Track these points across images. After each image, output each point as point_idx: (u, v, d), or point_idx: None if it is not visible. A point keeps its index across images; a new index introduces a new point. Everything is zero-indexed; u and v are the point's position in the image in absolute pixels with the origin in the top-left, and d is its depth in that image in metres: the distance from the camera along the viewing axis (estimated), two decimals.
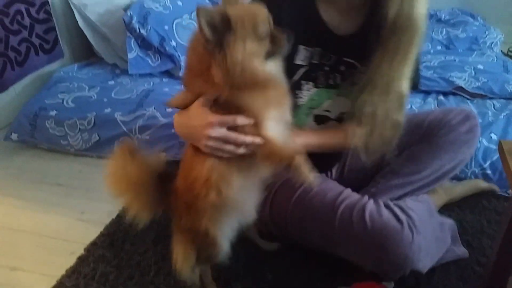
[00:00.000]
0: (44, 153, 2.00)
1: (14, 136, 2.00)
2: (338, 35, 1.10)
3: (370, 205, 1.13)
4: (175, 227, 1.08)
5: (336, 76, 1.14)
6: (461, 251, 1.29)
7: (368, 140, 1.08)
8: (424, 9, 0.98)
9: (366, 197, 1.17)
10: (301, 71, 1.13)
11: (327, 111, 1.19)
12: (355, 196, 1.18)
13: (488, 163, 1.55)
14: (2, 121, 2.14)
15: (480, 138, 1.58)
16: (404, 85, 1.03)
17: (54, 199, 1.69)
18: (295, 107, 1.16)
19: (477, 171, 1.55)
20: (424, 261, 1.13)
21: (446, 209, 1.45)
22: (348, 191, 1.19)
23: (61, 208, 1.62)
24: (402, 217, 1.09)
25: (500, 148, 0.92)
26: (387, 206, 1.13)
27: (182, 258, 1.06)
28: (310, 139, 1.16)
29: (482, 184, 1.52)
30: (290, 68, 1.11)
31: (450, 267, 1.25)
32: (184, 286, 1.17)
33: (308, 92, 1.16)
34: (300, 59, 1.12)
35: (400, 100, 1.05)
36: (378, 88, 1.03)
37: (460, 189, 1.50)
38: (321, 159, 1.13)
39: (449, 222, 1.32)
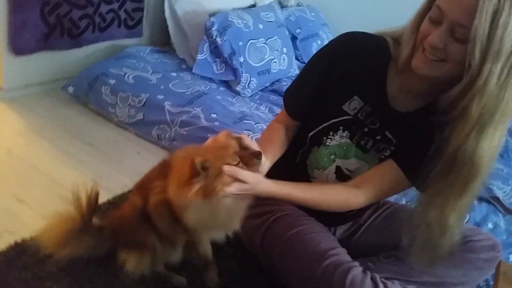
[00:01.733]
0: (90, 113, 2.11)
1: (70, 89, 2.13)
2: (391, 107, 1.11)
3: (356, 270, 1.10)
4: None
5: (370, 141, 1.16)
6: None
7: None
8: (495, 145, 0.94)
9: (356, 262, 1.14)
10: (344, 117, 1.15)
11: (350, 171, 1.20)
12: (347, 257, 1.16)
13: None
14: (67, 72, 2.28)
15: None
16: (452, 218, 1.02)
17: (81, 156, 1.77)
18: (320, 144, 1.20)
19: (480, 284, 1.48)
20: None
21: None
22: (343, 250, 1.17)
23: (83, 166, 1.70)
24: None
25: (498, 267, 0.89)
26: (373, 279, 1.10)
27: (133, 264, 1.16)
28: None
29: None
30: (336, 110, 1.15)
31: None
32: None
33: (340, 139, 1.17)
34: (350, 108, 1.15)
35: (443, 230, 1.04)
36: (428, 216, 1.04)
37: None
38: (327, 215, 1.17)
39: None
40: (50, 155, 1.72)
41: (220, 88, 2.35)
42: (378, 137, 1.15)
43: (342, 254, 1.15)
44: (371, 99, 1.13)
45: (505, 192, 1.95)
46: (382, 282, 1.10)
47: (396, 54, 1.08)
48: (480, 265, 1.20)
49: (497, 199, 1.90)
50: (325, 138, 1.19)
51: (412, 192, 1.17)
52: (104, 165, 1.74)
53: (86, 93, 2.11)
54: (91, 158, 1.77)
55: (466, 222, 1.29)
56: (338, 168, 1.20)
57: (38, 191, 1.51)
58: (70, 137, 1.88)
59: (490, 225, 1.70)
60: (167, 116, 1.98)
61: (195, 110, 2.01)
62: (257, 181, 1.02)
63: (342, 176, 1.21)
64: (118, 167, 1.76)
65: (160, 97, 2.06)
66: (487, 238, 1.23)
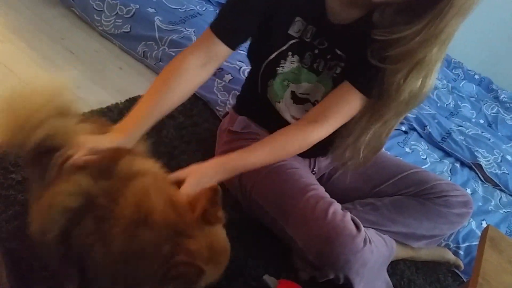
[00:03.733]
0: (74, 18, 1.96)
1: None
2: (331, 22, 1.04)
3: (337, 205, 1.13)
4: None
5: (321, 63, 1.11)
6: None
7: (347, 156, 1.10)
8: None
9: (335, 201, 1.16)
10: (291, 42, 1.08)
11: (307, 94, 1.17)
12: (326, 194, 1.18)
13: (465, 244, 1.50)
14: None
15: (471, 220, 1.54)
16: (394, 122, 1.06)
17: (59, 62, 1.66)
18: (274, 75, 1.14)
19: (451, 245, 1.50)
20: (363, 283, 1.12)
21: (403, 263, 1.42)
22: (322, 188, 1.19)
23: (60, 72, 1.59)
24: (362, 229, 1.09)
25: (485, 231, 0.88)
26: (352, 219, 1.12)
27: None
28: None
29: (449, 256, 1.47)
30: (281, 37, 1.09)
31: None
32: None
33: (291, 64, 1.12)
34: (293, 31, 1.08)
35: (388, 131, 1.08)
36: (374, 117, 1.04)
37: (427, 252, 1.46)
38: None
39: (390, 283, 1.29)
40: (26, 56, 1.60)
41: (217, 11, 2.19)
42: (328, 57, 1.10)
43: (321, 190, 1.18)
44: (312, 17, 1.06)
45: (488, 160, 1.94)
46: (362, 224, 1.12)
47: None
48: (452, 220, 1.26)
49: (479, 166, 1.89)
50: (277, 68, 1.13)
51: None
52: (82, 75, 1.64)
53: None
54: (70, 66, 1.67)
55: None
56: (292, 93, 1.17)
57: (5, 91, 1.41)
58: (49, 41, 1.75)
59: (469, 191, 1.70)
60: (156, 32, 1.85)
61: (187, 30, 1.89)
62: (195, 169, 0.93)
63: (299, 100, 1.18)
64: (98, 79, 1.66)
65: (151, 10, 1.91)
66: (462, 194, 1.27)
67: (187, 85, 1.03)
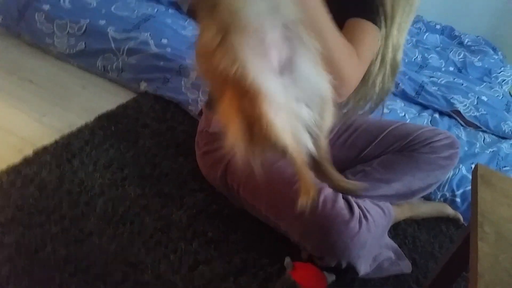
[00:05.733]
0: (25, 46, 1.89)
1: None
2: None
3: (327, 190, 1.10)
4: None
5: None
6: (405, 264, 1.27)
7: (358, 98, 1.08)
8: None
9: (325, 184, 1.13)
10: None
11: None
12: (315, 180, 1.14)
13: (460, 191, 1.51)
14: None
15: (460, 165, 1.55)
16: (400, 55, 1.05)
17: (21, 94, 1.60)
18: None
19: (447, 195, 1.52)
20: (365, 262, 1.11)
21: (404, 222, 1.43)
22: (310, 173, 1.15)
23: (25, 105, 1.55)
24: (356, 209, 1.08)
25: (475, 171, 0.88)
26: (344, 197, 1.11)
27: None
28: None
29: (448, 210, 1.49)
30: None
31: (389, 278, 1.23)
32: None
33: None
34: None
35: (395, 70, 1.07)
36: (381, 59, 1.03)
37: (425, 209, 1.47)
38: None
39: (394, 245, 1.30)
40: None
41: (169, 10, 2.15)
42: None
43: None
44: None
45: (465, 105, 1.95)
46: (354, 200, 1.11)
47: None
48: (442, 163, 1.25)
49: (458, 112, 1.91)
50: None
51: None
52: (47, 103, 1.59)
53: (17, 22, 1.87)
54: (32, 96, 1.61)
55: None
56: None
57: None
58: (5, 74, 1.69)
59: None
60: (112, 43, 1.80)
61: (143, 35, 1.84)
62: None
63: None
64: (63, 103, 1.61)
65: (102, 22, 1.86)
66: (445, 137, 1.26)
67: None
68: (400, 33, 1.02)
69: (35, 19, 1.85)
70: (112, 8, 1.96)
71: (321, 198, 1.07)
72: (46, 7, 1.86)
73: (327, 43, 0.81)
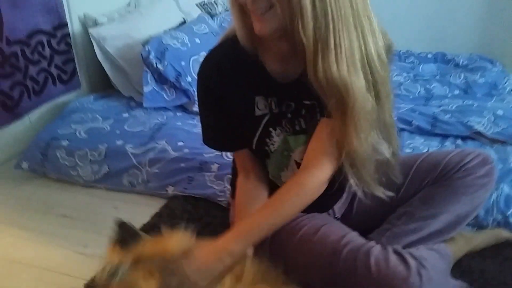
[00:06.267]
0: (52, 183, 1.98)
1: (24, 164, 1.99)
2: (283, 83, 1.08)
3: (376, 250, 1.06)
4: None
5: (301, 121, 1.12)
6: None
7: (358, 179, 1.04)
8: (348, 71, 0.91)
9: (372, 242, 1.10)
10: (264, 120, 1.12)
11: None
12: (360, 240, 1.12)
13: (511, 210, 1.47)
14: (16, 149, 2.14)
15: (502, 185, 1.52)
16: (367, 144, 0.99)
17: (58, 231, 1.65)
18: (268, 156, 1.17)
19: (499, 219, 1.47)
20: None
21: (465, 258, 1.37)
22: (352, 234, 1.13)
23: (64, 240, 1.58)
24: (411, 261, 1.02)
25: None
26: (395, 251, 1.06)
27: None
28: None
29: (504, 234, 1.44)
30: (252, 121, 1.13)
31: None
32: None
33: (278, 137, 1.14)
34: (260, 110, 1.12)
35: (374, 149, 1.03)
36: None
37: (482, 239, 1.42)
38: (320, 197, 1.09)
39: (464, 285, 1.24)
40: (26, 241, 1.59)
41: (177, 114, 2.26)
42: (303, 112, 1.11)
43: (354, 239, 1.11)
44: (267, 89, 1.10)
45: (483, 124, 1.95)
46: (406, 251, 1.06)
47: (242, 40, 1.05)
48: (481, 182, 1.21)
49: (479, 133, 1.90)
50: (266, 148, 1.16)
51: None
52: (85, 233, 1.63)
53: (42, 164, 1.97)
54: (69, 230, 1.65)
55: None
56: (295, 161, 1.17)
57: (26, 285, 1.38)
58: (39, 215, 1.75)
59: None
60: (133, 159, 1.88)
61: (160, 144, 1.92)
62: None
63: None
64: (100, 229, 1.64)
65: (119, 142, 1.95)
66: (476, 155, 1.23)
67: (253, 198, 1.19)
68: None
69: (57, 156, 1.95)
70: (126, 127, 2.07)
71: (372, 260, 1.03)
72: (65, 143, 1.97)
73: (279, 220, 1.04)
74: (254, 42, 1.04)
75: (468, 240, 1.41)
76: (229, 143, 1.22)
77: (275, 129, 1.13)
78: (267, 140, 1.15)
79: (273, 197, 1.06)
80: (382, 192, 1.08)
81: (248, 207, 1.17)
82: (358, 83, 0.92)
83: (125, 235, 1.00)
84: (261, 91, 1.11)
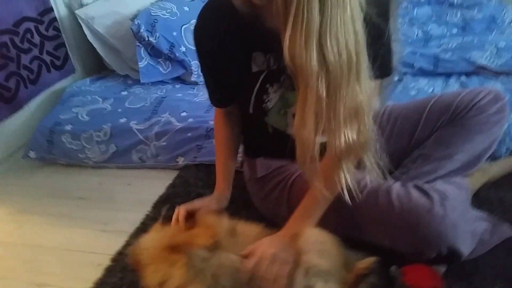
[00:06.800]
0: (63, 168, 1.97)
1: (32, 154, 1.98)
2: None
3: (397, 187, 1.08)
4: None
5: None
6: (505, 229, 1.22)
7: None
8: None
9: (391, 181, 1.11)
10: (261, 77, 1.11)
11: None
12: (377, 182, 1.12)
13: None
14: (20, 139, 2.13)
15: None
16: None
17: (76, 213, 1.65)
18: (266, 113, 1.16)
19: None
20: (463, 242, 1.06)
21: (482, 189, 1.38)
22: (368, 178, 1.12)
23: (85, 221, 1.59)
24: (433, 194, 1.04)
25: None
26: (416, 186, 1.08)
27: None
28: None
29: None
30: (249, 78, 1.11)
31: (497, 248, 1.17)
32: None
33: (275, 93, 1.12)
34: (257, 66, 1.10)
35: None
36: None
37: (498, 168, 1.43)
38: None
39: (484, 215, 1.25)
40: (48, 226, 1.60)
41: (176, 86, 2.24)
42: None
43: (372, 182, 1.11)
44: (265, 45, 1.06)
45: (486, 57, 1.93)
46: (427, 185, 1.08)
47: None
48: (494, 119, 1.20)
49: (483, 68, 1.88)
50: (264, 105, 1.15)
51: None
52: (103, 211, 1.63)
53: (49, 151, 1.96)
54: (87, 211, 1.66)
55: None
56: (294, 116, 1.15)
57: (53, 267, 1.40)
58: (56, 200, 1.75)
59: None
60: (139, 135, 1.87)
61: (163, 117, 1.90)
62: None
63: None
64: (117, 206, 1.65)
65: (123, 120, 1.93)
66: (487, 93, 1.21)
67: (233, 133, 1.33)
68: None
69: (63, 141, 1.93)
70: (126, 104, 2.05)
71: (394, 196, 1.05)
72: (68, 127, 1.96)
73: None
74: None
75: (484, 172, 1.41)
76: (228, 99, 1.24)
77: (272, 86, 1.12)
78: (264, 97, 1.14)
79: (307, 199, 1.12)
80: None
81: (228, 139, 1.33)
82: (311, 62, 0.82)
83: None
84: (259, 47, 1.08)
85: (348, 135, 0.87)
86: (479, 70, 1.89)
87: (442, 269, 1.07)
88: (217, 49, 1.10)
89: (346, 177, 0.95)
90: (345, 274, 1.00)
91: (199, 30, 1.12)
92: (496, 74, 1.85)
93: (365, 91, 0.86)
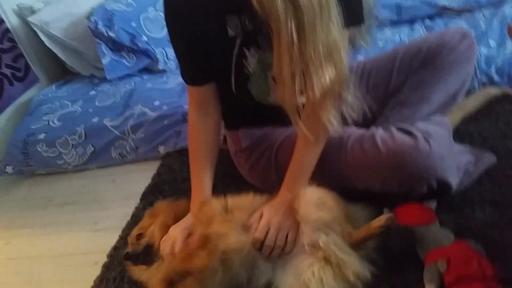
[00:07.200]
0: (43, 178, 1.93)
1: (9, 169, 1.93)
2: None
3: (380, 132, 1.09)
4: None
5: None
6: (488, 157, 1.24)
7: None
8: None
9: (373, 128, 1.13)
10: (238, 41, 1.08)
11: None
12: (360, 130, 1.14)
13: (493, 69, 1.49)
14: None
15: (479, 47, 1.53)
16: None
17: (65, 218, 1.62)
18: (248, 78, 1.13)
19: (484, 80, 1.49)
20: (451, 175, 1.08)
21: (461, 124, 1.40)
22: (351, 129, 1.14)
23: (74, 225, 1.57)
24: (416, 132, 1.05)
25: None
26: (398, 128, 1.09)
27: None
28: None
29: (494, 90, 1.46)
30: (226, 43, 1.08)
31: (481, 177, 1.19)
32: None
33: (253, 58, 1.10)
34: (232, 30, 1.06)
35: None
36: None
37: (473, 102, 1.45)
38: None
39: (466, 148, 1.27)
40: (36, 237, 1.56)
41: (144, 77, 2.20)
42: None
43: (355, 131, 1.13)
44: (238, 7, 1.02)
45: None
46: (409, 126, 1.09)
47: None
48: (465, 57, 1.22)
49: (444, 8, 1.89)
50: (245, 70, 1.12)
51: None
52: (91, 212, 1.61)
53: (26, 163, 1.91)
54: (75, 214, 1.63)
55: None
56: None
57: (51, 274, 1.37)
58: (41, 211, 1.71)
59: None
60: (115, 131, 1.83)
61: (136, 109, 1.87)
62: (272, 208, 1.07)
63: None
64: (105, 205, 1.63)
65: (95, 119, 1.89)
66: (454, 32, 1.23)
67: (209, 138, 1.24)
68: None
69: (39, 150, 1.89)
70: (96, 103, 2.01)
71: (378, 141, 1.06)
72: (41, 136, 1.90)
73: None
74: None
75: (461, 107, 1.43)
76: (203, 74, 1.17)
77: (249, 49, 1.09)
78: (244, 62, 1.11)
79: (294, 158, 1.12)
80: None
81: (205, 146, 1.24)
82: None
83: None
84: (232, 9, 1.05)
85: (327, 73, 0.91)
86: (442, 12, 1.90)
87: (433, 204, 1.08)
88: (188, 16, 1.06)
89: (332, 113, 0.97)
90: (349, 228, 1.00)
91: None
92: (459, 12, 1.86)
93: (338, 27, 0.88)
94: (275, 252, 1.03)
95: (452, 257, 0.92)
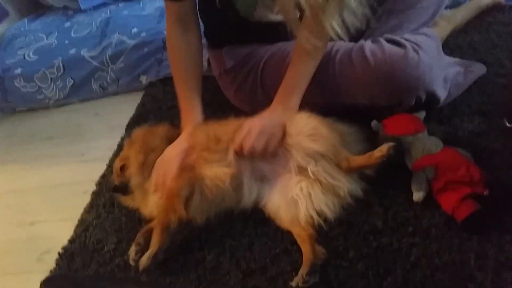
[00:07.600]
0: (24, 114, 1.88)
1: None
2: None
3: (368, 43, 1.06)
4: None
5: None
6: (478, 67, 1.22)
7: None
8: None
9: (362, 40, 1.09)
10: None
11: None
12: (349, 43, 1.10)
13: None
14: None
15: None
16: None
17: (50, 152, 1.60)
18: None
19: None
20: (439, 86, 1.07)
21: (451, 37, 1.37)
22: (340, 42, 1.09)
23: (60, 157, 1.55)
24: (405, 42, 1.03)
25: None
26: (387, 39, 1.06)
27: None
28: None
29: (484, 1, 1.41)
30: None
31: (471, 87, 1.18)
32: None
33: None
34: None
35: None
36: None
37: (463, 14, 1.40)
38: None
39: (456, 59, 1.25)
40: (24, 171, 1.55)
41: (119, 4, 2.08)
42: None
43: (343, 44, 1.09)
44: None
45: None
46: (398, 36, 1.06)
47: None
48: None
49: None
50: None
51: None
52: (77, 145, 1.58)
53: (5, 99, 1.85)
54: (60, 147, 1.61)
55: None
56: None
57: (40, 205, 1.37)
58: (26, 146, 1.68)
59: None
60: (93, 62, 1.76)
61: (113, 38, 1.79)
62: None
63: None
64: (90, 137, 1.61)
65: (72, 51, 1.81)
66: None
67: (192, 56, 1.18)
68: None
69: (16, 86, 1.82)
70: (72, 34, 1.92)
71: (367, 52, 1.04)
72: (18, 71, 1.83)
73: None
74: None
75: (450, 20, 1.39)
76: None
77: None
78: None
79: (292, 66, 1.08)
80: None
81: (190, 65, 1.18)
82: None
83: None
84: None
85: None
86: None
87: (421, 114, 1.08)
88: None
89: (336, 20, 0.94)
90: (346, 153, 0.99)
91: None
92: None
93: None
94: (256, 153, 1.00)
95: (441, 163, 0.92)
